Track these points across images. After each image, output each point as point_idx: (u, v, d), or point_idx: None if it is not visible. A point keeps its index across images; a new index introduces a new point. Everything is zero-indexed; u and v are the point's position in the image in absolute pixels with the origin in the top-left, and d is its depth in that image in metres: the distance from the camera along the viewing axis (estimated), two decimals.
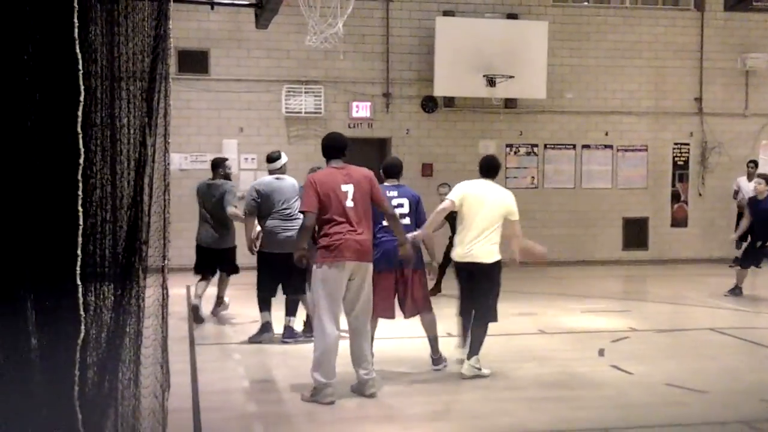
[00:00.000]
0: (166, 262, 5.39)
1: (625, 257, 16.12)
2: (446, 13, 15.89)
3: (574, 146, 16.18)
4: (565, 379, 7.74)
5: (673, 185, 16.90)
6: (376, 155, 15.69)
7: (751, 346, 9.23)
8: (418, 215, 7.78)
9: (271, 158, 9.47)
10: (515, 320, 10.40)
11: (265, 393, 7.33)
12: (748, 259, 12.28)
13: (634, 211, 16.42)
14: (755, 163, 15.98)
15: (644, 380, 7.65)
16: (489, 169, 7.95)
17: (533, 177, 16.28)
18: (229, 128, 15.31)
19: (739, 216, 15.95)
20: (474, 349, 7.65)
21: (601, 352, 8.39)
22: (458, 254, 7.80)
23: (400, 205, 7.71)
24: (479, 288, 7.73)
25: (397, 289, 7.66)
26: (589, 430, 6.25)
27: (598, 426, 6.32)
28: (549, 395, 7.21)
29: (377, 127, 15.91)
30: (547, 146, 16.26)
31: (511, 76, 15.29)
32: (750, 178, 15.95)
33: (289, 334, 9.07)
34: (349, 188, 6.86)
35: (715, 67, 16.90)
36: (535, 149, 16.38)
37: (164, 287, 5.34)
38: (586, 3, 16.66)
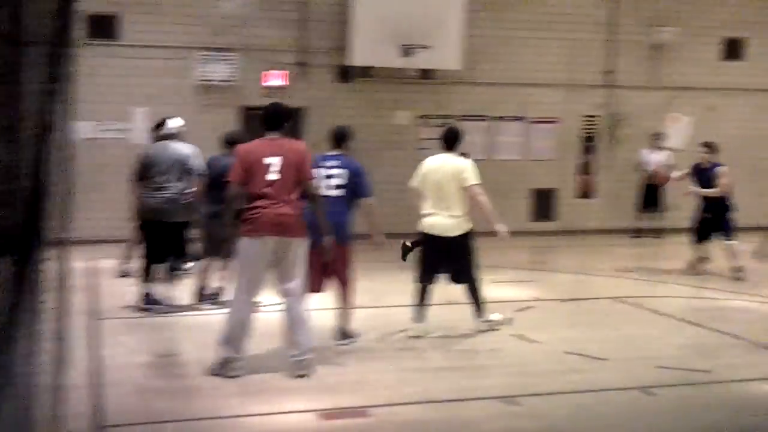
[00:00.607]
0: (68, 234, 5.28)
1: (534, 228, 16.40)
2: None
3: (487, 117, 16.34)
4: (470, 349, 7.90)
5: (581, 157, 17.24)
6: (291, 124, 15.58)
7: (650, 314, 9.54)
8: (358, 188, 7.56)
9: (156, 124, 9.59)
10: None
11: (168, 367, 7.28)
12: (698, 234, 12.10)
13: (543, 182, 16.69)
14: (661, 135, 16.40)
15: (547, 348, 7.87)
16: (446, 140, 8.35)
17: None
18: (139, 96, 14.97)
19: (644, 187, 16.41)
20: (477, 307, 8.24)
21: (503, 322, 8.56)
22: (424, 226, 8.16)
23: (333, 177, 7.54)
24: (450, 257, 8.08)
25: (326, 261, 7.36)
26: (493, 398, 6.40)
27: (501, 394, 6.47)
28: (454, 365, 7.36)
29: (292, 97, 15.75)
30: (462, 118, 16.39)
31: (427, 46, 15.31)
32: (656, 149, 16.40)
33: (147, 301, 9.03)
34: (274, 160, 6.70)
35: (626, 41, 17.22)
36: (449, 121, 16.47)
37: (63, 260, 5.23)
38: None
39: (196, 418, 5.91)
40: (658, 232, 16.37)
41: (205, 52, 15.11)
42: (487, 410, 6.18)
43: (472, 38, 15.98)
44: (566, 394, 6.57)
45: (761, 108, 17.81)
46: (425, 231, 8.18)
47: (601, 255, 13.74)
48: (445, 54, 15.61)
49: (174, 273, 9.15)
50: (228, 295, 7.49)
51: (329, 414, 6.02)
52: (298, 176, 6.78)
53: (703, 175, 11.91)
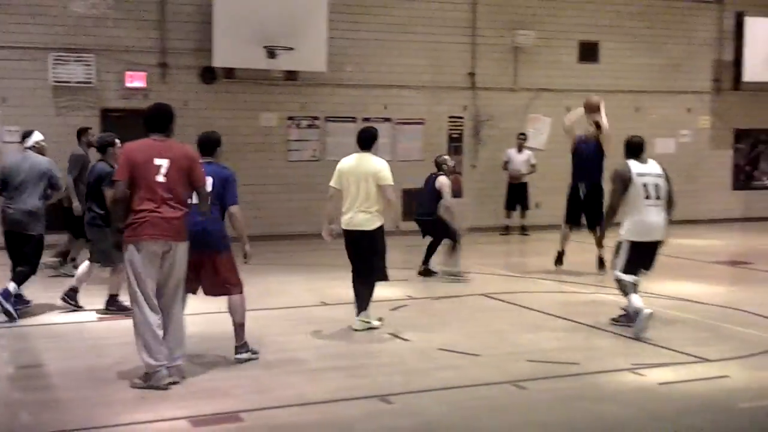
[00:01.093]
0: None
1: (404, 227, 16.45)
2: None
3: (355, 119, 16.35)
4: (345, 349, 7.86)
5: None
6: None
7: (519, 309, 9.74)
8: (226, 195, 7.22)
9: (23, 136, 9.67)
10: (298, 293, 10.45)
11: (32, 379, 6.91)
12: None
13: (412, 182, 16.83)
14: (524, 135, 16.84)
15: (420, 346, 7.90)
16: (361, 141, 8.49)
17: (314, 149, 16.31)
18: None
19: (509, 186, 16.83)
20: (362, 306, 8.40)
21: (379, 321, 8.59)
22: (343, 222, 8.38)
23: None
24: (362, 252, 8.33)
25: (199, 269, 7.10)
26: (369, 398, 6.35)
27: (377, 393, 6.43)
28: (330, 365, 7.28)
29: (154, 98, 15.30)
30: (329, 119, 16.35)
31: (291, 48, 15.20)
32: (520, 149, 16.83)
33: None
34: (163, 162, 6.45)
35: (487, 43, 17.58)
36: (317, 122, 16.42)
37: None
38: None
39: (64, 430, 5.61)
40: (524, 229, 16.81)
41: (61, 53, 14.52)
42: (361, 410, 6.14)
43: (337, 40, 15.99)
44: (440, 391, 6.60)
45: (615, 108, 18.52)
46: (345, 228, 8.39)
47: (470, 252, 13.95)
48: (310, 56, 15.54)
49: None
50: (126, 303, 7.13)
51: (202, 420, 5.84)
52: (188, 180, 6.56)
53: None
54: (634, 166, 8.44)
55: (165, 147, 6.55)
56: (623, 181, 8.39)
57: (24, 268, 9.02)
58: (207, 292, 7.33)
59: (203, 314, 8.23)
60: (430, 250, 11.71)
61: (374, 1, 16.69)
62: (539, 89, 17.84)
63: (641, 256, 8.47)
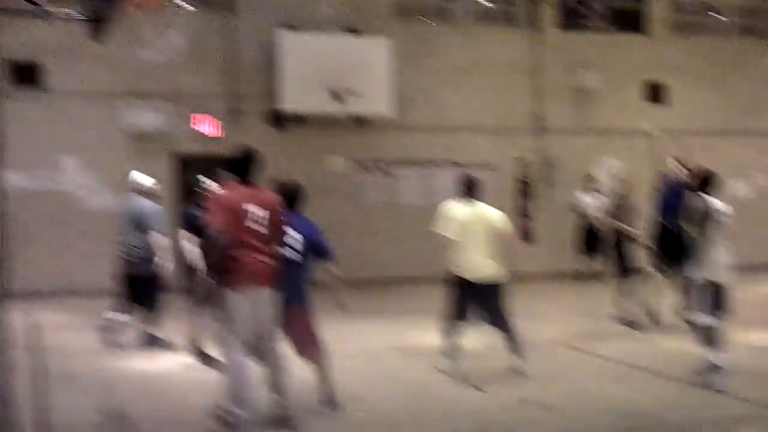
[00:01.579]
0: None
1: None
2: (289, 27, 15.63)
3: (422, 163, 16.31)
4: (420, 402, 7.71)
5: (517, 201, 17.31)
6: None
7: (603, 361, 9.50)
8: (316, 249, 7.07)
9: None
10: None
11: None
12: None
13: None
14: (591, 178, 16.61)
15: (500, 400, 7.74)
16: (468, 188, 8.52)
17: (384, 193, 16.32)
18: (67, 145, 14.57)
19: (585, 229, 16.46)
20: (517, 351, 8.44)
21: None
22: (466, 271, 8.25)
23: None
24: (485, 302, 8.35)
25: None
26: None
27: None
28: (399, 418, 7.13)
29: (226, 144, 15.51)
30: (396, 163, 16.34)
31: (357, 93, 15.29)
32: (587, 192, 16.58)
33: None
34: (259, 211, 6.46)
35: (552, 86, 17.45)
36: (384, 165, 16.43)
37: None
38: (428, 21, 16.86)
39: None
40: (599, 275, 16.44)
41: (132, 99, 14.79)
42: None
43: (403, 84, 16.01)
44: None
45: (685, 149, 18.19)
46: (465, 276, 8.27)
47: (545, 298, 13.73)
48: (376, 100, 15.62)
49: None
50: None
51: None
52: (276, 231, 6.60)
53: None
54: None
55: (258, 195, 6.55)
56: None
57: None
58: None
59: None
60: None
61: (440, 45, 16.70)
62: (606, 130, 17.62)
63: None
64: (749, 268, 16.60)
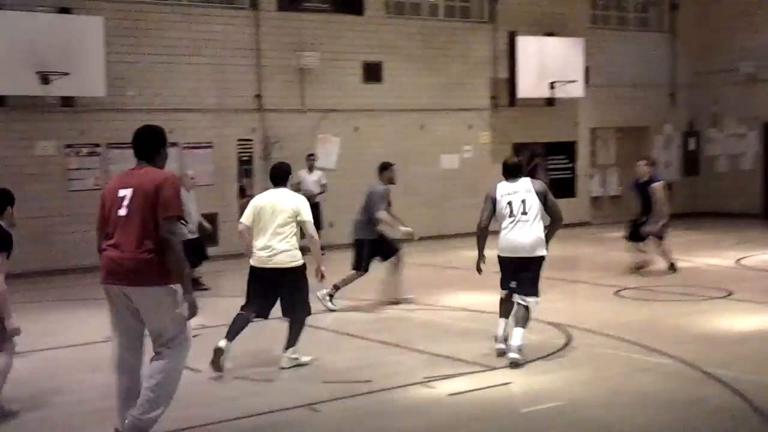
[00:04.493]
0: None
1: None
2: None
3: None
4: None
5: (239, 180, 17.34)
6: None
7: (313, 330, 9.73)
8: None
9: None
10: (83, 329, 9.97)
11: None
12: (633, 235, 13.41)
13: (204, 207, 16.51)
14: (314, 156, 16.98)
15: (213, 376, 7.72)
16: (274, 178, 8.36)
17: (96, 178, 15.61)
18: None
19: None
20: (290, 342, 8.12)
21: None
22: (258, 261, 8.11)
23: None
24: (283, 290, 8.11)
25: None
26: None
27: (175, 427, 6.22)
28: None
29: None
30: (111, 146, 15.74)
31: (66, 73, 14.56)
32: (311, 170, 16.92)
33: None
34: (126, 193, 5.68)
35: (273, 65, 17.58)
36: (98, 149, 15.78)
37: None
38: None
39: None
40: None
41: None
42: None
43: (115, 64, 15.48)
44: (237, 420, 6.47)
45: (401, 126, 19.04)
46: (258, 265, 8.13)
47: None
48: (87, 80, 14.97)
49: None
50: None
51: None
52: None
53: (642, 188, 13.16)
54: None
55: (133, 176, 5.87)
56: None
57: None
58: None
59: None
60: None
61: (154, 24, 16.28)
62: (326, 110, 18.03)
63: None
64: (448, 237, 17.82)
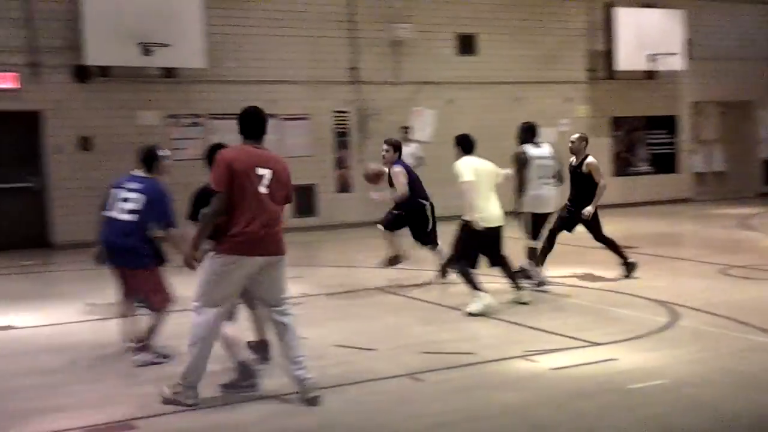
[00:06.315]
0: None
1: (296, 224, 16.36)
2: None
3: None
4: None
5: (337, 152, 17.42)
6: (24, 131, 14.60)
7: (413, 302, 9.74)
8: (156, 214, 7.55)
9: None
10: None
11: None
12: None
13: (301, 178, 16.69)
14: (408, 128, 16.92)
15: (315, 343, 7.78)
16: (466, 145, 9.47)
17: (195, 148, 15.88)
18: None
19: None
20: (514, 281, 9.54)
21: None
22: (489, 218, 9.05)
23: (129, 201, 7.42)
24: (494, 245, 9.32)
25: None
26: (266, 398, 6.22)
27: (273, 393, 6.30)
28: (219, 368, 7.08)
29: (26, 99, 14.72)
30: (212, 116, 16.00)
31: (167, 45, 14.84)
32: (405, 142, 16.86)
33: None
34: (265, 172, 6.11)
35: (367, 37, 17.56)
36: (199, 119, 16.07)
37: None
38: None
39: None
40: None
41: None
42: (258, 411, 6.00)
43: (214, 36, 15.67)
44: (338, 387, 6.52)
45: (495, 99, 18.83)
46: (488, 224, 8.99)
47: (362, 247, 13.89)
48: (187, 52, 15.21)
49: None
50: None
51: (96, 429, 5.61)
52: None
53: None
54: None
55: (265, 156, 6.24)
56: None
57: None
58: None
59: None
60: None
61: None
62: (420, 82, 17.94)
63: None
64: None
